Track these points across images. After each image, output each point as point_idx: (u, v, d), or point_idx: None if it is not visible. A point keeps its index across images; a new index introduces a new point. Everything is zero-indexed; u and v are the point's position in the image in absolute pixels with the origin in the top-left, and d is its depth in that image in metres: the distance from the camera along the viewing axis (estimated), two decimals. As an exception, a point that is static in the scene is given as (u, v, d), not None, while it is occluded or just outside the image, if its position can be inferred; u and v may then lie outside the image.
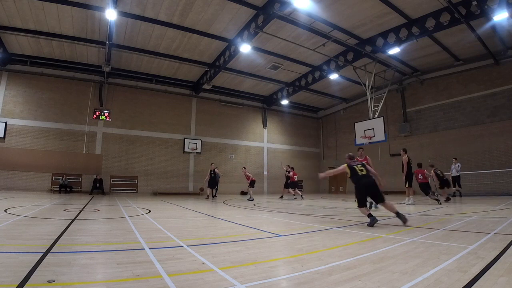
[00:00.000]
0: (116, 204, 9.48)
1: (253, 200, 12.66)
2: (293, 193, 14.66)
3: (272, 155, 23.28)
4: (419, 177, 9.75)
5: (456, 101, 16.84)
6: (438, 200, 9.15)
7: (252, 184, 13.63)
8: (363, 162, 5.51)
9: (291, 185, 15.03)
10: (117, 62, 16.61)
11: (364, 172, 5.22)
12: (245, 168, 14.75)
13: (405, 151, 10.19)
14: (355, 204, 5.21)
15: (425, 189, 9.64)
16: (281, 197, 15.26)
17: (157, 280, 2.05)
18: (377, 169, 11.45)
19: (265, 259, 2.68)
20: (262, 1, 11.71)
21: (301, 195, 14.37)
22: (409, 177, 9.82)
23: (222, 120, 21.44)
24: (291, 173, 15.11)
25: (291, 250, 3.15)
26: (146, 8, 12.08)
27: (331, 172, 5.64)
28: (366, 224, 4.83)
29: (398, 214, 4.87)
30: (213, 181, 14.04)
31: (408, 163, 9.86)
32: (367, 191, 5.12)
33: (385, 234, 3.98)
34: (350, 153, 5.90)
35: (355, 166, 5.33)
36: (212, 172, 14.02)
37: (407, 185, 9.81)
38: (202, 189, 15.09)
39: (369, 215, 4.84)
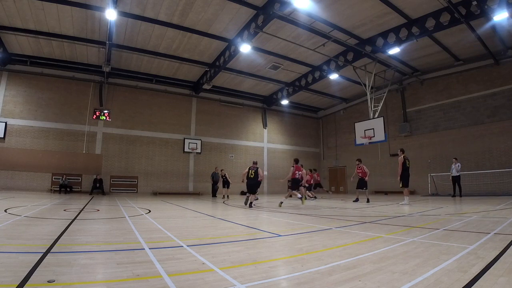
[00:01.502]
0: (116, 204, 9.49)
1: (257, 199, 12.71)
2: (312, 195, 14.14)
3: (272, 155, 23.29)
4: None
5: (456, 101, 16.84)
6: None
7: (258, 184, 13.81)
8: (257, 167, 9.49)
9: (308, 187, 14.31)
10: (117, 62, 16.61)
11: (253, 176, 9.37)
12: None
13: (402, 151, 10.16)
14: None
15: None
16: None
17: (157, 280, 2.05)
18: (376, 169, 11.47)
19: (265, 259, 2.68)
20: (262, 1, 11.71)
21: (305, 196, 14.30)
22: (404, 178, 9.79)
23: (222, 120, 21.45)
24: (307, 176, 14.74)
25: (291, 250, 3.15)
26: (146, 8, 12.08)
27: (244, 173, 9.63)
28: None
29: (251, 204, 9.08)
30: (227, 183, 15.82)
31: (404, 163, 9.81)
32: (249, 187, 9.39)
33: (385, 234, 3.98)
34: (255, 160, 9.80)
35: (251, 170, 9.38)
36: (223, 176, 15.90)
37: (401, 185, 9.79)
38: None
39: (248, 200, 9.33)
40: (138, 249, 3.03)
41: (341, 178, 23.99)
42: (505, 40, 13.78)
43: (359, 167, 11.80)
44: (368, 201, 11.19)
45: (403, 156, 9.85)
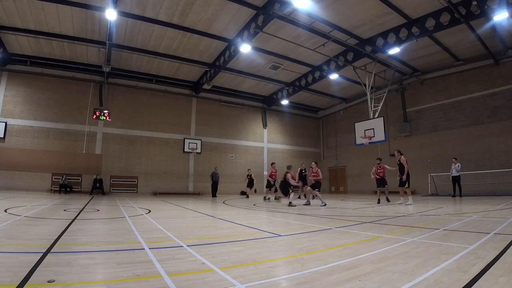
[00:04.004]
0: (116, 204, 9.49)
1: (277, 198, 12.13)
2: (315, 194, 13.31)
3: (272, 155, 23.27)
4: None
5: (456, 101, 16.84)
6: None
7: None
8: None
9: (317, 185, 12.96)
10: (117, 62, 16.60)
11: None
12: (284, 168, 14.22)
13: (400, 152, 10.18)
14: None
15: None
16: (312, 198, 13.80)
17: (157, 280, 2.05)
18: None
19: (265, 259, 2.67)
20: (262, 1, 11.71)
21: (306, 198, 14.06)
22: (408, 178, 9.84)
23: (222, 120, 21.44)
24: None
25: (291, 250, 3.15)
26: (146, 8, 12.08)
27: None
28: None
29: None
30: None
31: (406, 163, 9.86)
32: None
33: (385, 234, 3.98)
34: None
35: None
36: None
37: (407, 186, 9.79)
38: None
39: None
40: (138, 249, 3.03)
41: (341, 178, 23.98)
42: (505, 40, 13.77)
43: (380, 167, 11.00)
44: (388, 200, 10.74)
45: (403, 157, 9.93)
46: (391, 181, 18.80)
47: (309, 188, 10.47)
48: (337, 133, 24.65)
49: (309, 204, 10.10)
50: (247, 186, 16.09)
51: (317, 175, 10.27)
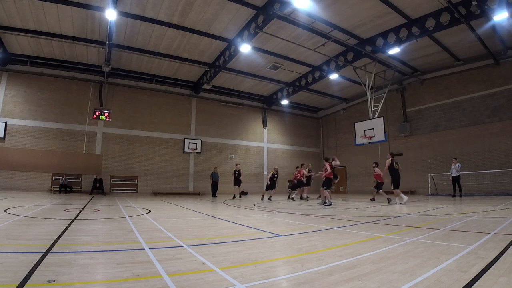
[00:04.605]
0: (116, 204, 9.49)
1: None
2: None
3: (272, 155, 23.28)
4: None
5: (456, 101, 16.84)
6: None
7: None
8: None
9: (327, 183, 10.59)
10: (117, 62, 16.60)
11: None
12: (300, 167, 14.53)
13: (392, 154, 10.45)
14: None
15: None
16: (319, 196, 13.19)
17: (157, 280, 2.05)
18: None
19: (265, 259, 2.68)
20: (262, 1, 11.71)
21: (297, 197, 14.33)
22: (395, 180, 9.95)
23: (222, 120, 21.44)
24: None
25: (291, 250, 3.15)
26: (146, 8, 12.08)
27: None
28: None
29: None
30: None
31: (392, 165, 10.02)
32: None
33: (385, 234, 3.98)
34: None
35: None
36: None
37: (393, 188, 9.93)
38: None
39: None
40: (138, 249, 3.03)
41: (341, 178, 23.88)
42: (505, 40, 13.77)
43: (375, 171, 11.56)
44: (389, 201, 10.47)
45: (391, 159, 10.11)
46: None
47: (323, 189, 9.99)
48: (337, 133, 24.64)
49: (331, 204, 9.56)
50: (234, 185, 14.83)
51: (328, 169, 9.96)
